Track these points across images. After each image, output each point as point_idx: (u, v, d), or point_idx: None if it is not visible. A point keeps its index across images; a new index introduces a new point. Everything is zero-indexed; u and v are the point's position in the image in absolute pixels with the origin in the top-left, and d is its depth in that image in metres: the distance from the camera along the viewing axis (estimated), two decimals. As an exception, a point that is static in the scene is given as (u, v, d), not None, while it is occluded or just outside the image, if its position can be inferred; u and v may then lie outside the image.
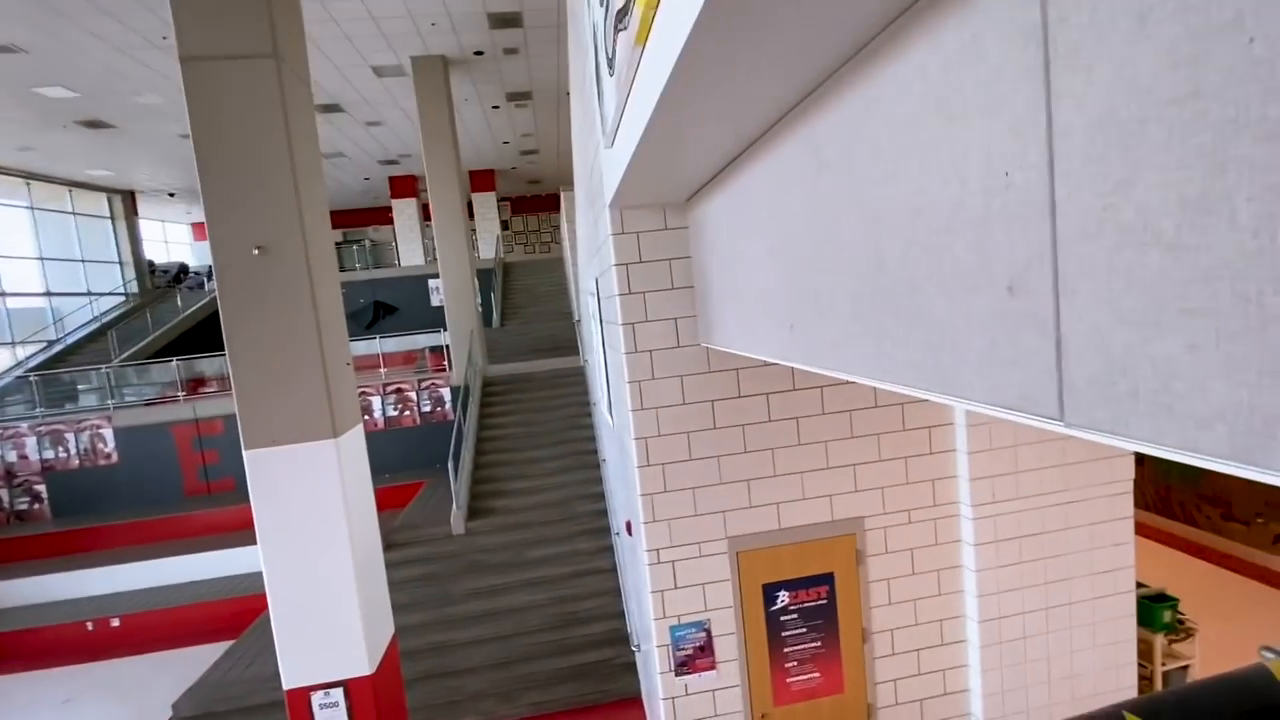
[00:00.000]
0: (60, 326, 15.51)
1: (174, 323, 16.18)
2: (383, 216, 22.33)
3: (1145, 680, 4.70)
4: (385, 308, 17.67)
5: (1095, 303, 0.75)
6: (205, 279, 19.07)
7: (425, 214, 18.79)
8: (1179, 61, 0.60)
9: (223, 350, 4.34)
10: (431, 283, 17.28)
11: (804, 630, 3.83)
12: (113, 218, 17.70)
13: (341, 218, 22.40)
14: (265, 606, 4.63)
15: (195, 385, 13.05)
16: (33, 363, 14.04)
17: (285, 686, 4.47)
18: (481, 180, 19.77)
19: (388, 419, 11.86)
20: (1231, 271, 0.58)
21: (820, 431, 3.70)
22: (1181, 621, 4.93)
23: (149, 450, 11.62)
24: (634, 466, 3.64)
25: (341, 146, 15.36)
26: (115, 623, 9.06)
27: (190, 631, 8.98)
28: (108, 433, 11.56)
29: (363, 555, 4.65)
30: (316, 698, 4.46)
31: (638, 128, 1.85)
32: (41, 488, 11.56)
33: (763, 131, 1.86)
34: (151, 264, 19.16)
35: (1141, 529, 7.81)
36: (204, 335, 15.68)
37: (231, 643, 7.71)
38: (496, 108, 13.38)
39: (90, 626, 9.03)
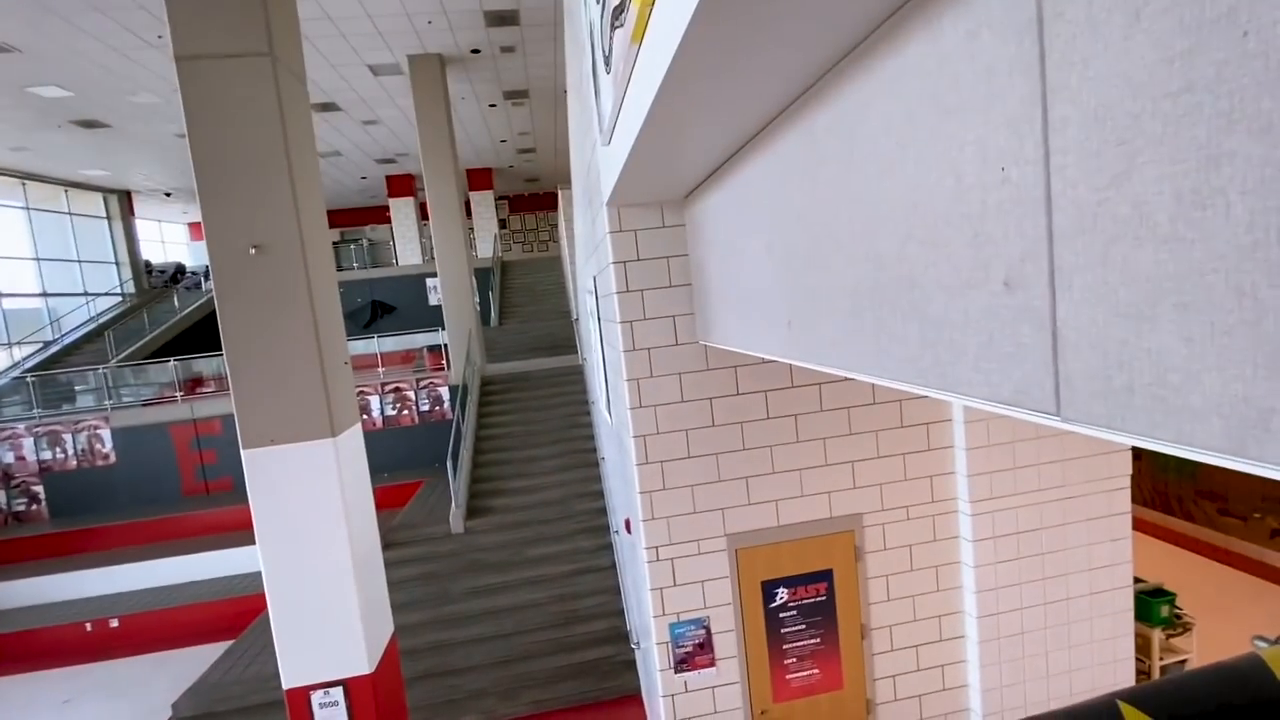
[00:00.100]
0: (57, 327, 15.47)
1: (171, 323, 16.15)
2: (380, 215, 22.29)
3: (1143, 675, 4.71)
4: (383, 307, 17.65)
5: (1091, 297, 0.75)
6: (202, 279, 19.04)
7: (423, 213, 18.82)
8: (1173, 55, 0.60)
9: (220, 350, 4.33)
10: (429, 282, 17.27)
11: (803, 627, 3.84)
12: (109, 218, 17.65)
13: (339, 217, 22.38)
14: (264, 606, 4.62)
15: (193, 385, 13.03)
16: (30, 363, 14.00)
17: (285, 686, 4.47)
18: (479, 179, 19.75)
19: (386, 418, 11.85)
20: (1227, 265, 0.58)
21: (818, 428, 3.71)
22: (1179, 616, 4.95)
23: (147, 451, 11.60)
24: (633, 464, 3.65)
25: (338, 145, 15.33)
26: (114, 623, 9.05)
27: (189, 632, 8.97)
28: (105, 433, 11.55)
29: (362, 554, 4.65)
30: (316, 697, 4.46)
31: (635, 125, 1.85)
32: (39, 489, 11.54)
33: (759, 128, 1.86)
34: (148, 264, 19.11)
35: (1139, 524, 7.84)
36: (201, 335, 15.65)
37: (231, 643, 7.70)
38: (494, 106, 13.36)
39: (89, 627, 9.02)
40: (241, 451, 4.29)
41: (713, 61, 1.29)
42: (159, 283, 19.10)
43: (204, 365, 13.26)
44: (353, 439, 4.78)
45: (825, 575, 3.83)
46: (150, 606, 9.25)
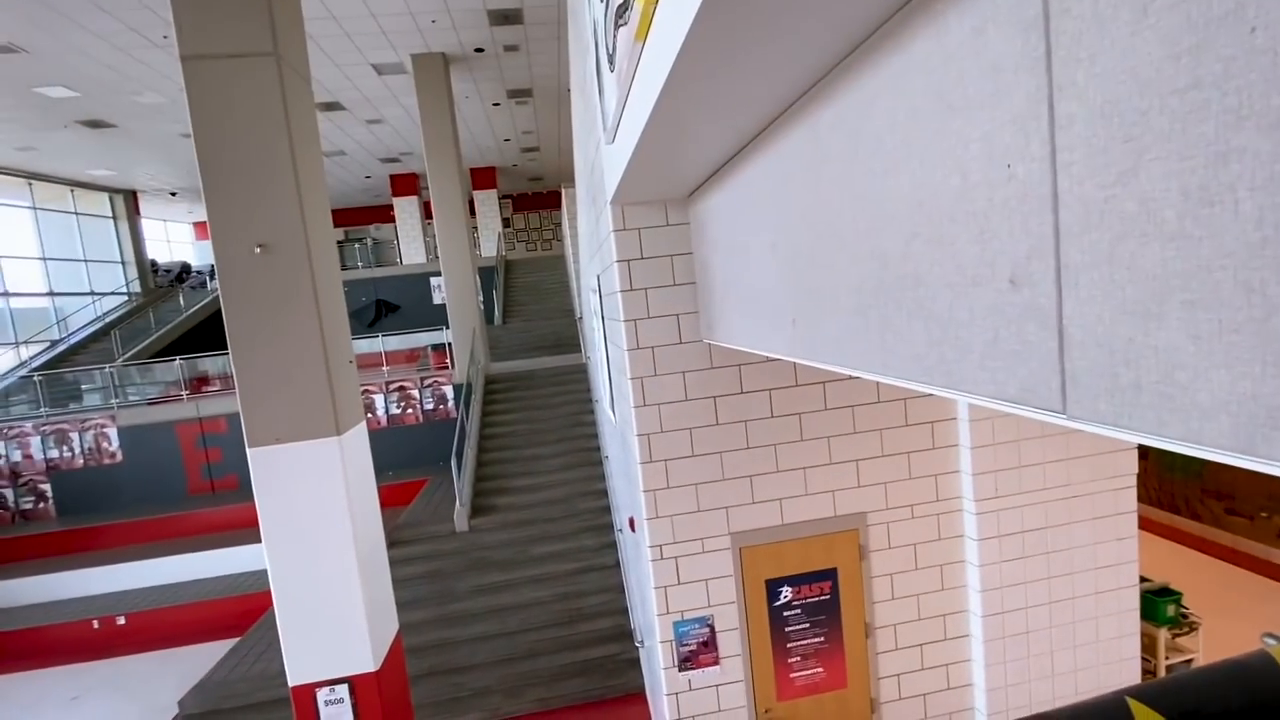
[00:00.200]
0: (64, 326, 15.55)
1: (177, 322, 16.21)
2: (384, 214, 22.33)
3: (1149, 674, 4.70)
4: (387, 306, 17.69)
5: (1098, 294, 0.75)
6: (208, 278, 19.12)
7: (427, 212, 18.81)
8: (1181, 51, 0.60)
9: (225, 349, 4.35)
10: (433, 281, 17.30)
11: (807, 625, 3.84)
12: (115, 217, 17.72)
13: (343, 216, 22.41)
14: (270, 604, 4.64)
15: (198, 384, 13.08)
16: (37, 362, 14.08)
17: (290, 683, 4.48)
18: (483, 178, 19.77)
19: (391, 417, 11.88)
20: (1235, 262, 0.58)
21: (823, 427, 3.70)
22: (1185, 616, 4.93)
23: (153, 449, 11.66)
24: (636, 462, 3.65)
25: (343, 144, 15.36)
26: (121, 621, 9.10)
27: (195, 629, 9.02)
28: (112, 432, 11.60)
29: (367, 552, 4.67)
30: (322, 694, 4.48)
31: (639, 124, 1.85)
32: (46, 487, 11.61)
33: (764, 126, 1.85)
34: (154, 263, 19.19)
35: (1145, 523, 7.81)
36: (207, 334, 15.71)
37: (237, 640, 7.74)
38: (497, 105, 13.37)
39: (96, 625, 9.07)
40: (247, 450, 4.31)
41: (717, 59, 1.28)
42: (164, 282, 19.19)
43: (209, 364, 13.31)
44: (357, 437, 4.79)
45: (829, 574, 3.82)
46: (157, 604, 9.29)
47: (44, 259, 15.52)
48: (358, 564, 4.50)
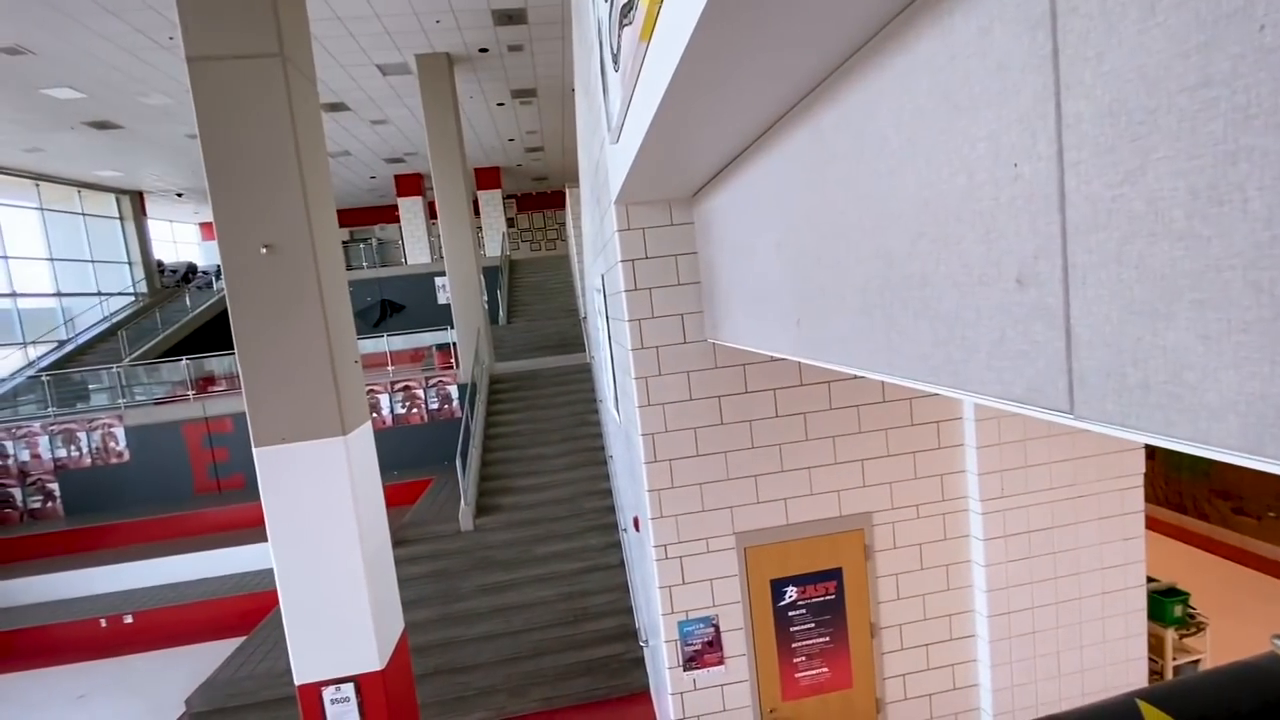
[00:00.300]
0: (71, 326, 15.65)
1: (183, 322, 16.30)
2: (389, 215, 22.39)
3: (1156, 675, 4.67)
4: (392, 306, 17.73)
5: (1105, 294, 0.75)
6: (214, 278, 19.20)
7: (431, 212, 18.89)
8: (1189, 50, 0.60)
9: (232, 349, 4.36)
10: (438, 280, 17.34)
11: (812, 625, 3.84)
12: (121, 218, 17.82)
13: (348, 216, 22.49)
14: (276, 603, 4.66)
15: (205, 384, 13.14)
16: (44, 362, 14.17)
17: (297, 682, 4.50)
18: (487, 178, 19.80)
19: (396, 417, 11.92)
20: (1243, 261, 0.58)
21: (828, 427, 3.70)
22: (1192, 616, 4.90)
23: (160, 448, 11.72)
24: (641, 462, 3.65)
25: (347, 145, 15.41)
26: (128, 619, 9.15)
27: (202, 628, 9.07)
28: (119, 431, 11.67)
29: (372, 552, 4.68)
30: (328, 693, 4.50)
31: (643, 123, 1.85)
32: (54, 486, 11.68)
33: (769, 125, 1.85)
34: (160, 264, 19.29)
35: (1152, 523, 7.77)
36: (213, 334, 15.78)
37: (243, 639, 7.78)
38: (501, 105, 13.39)
39: (104, 623, 9.13)
40: (253, 449, 4.33)
41: (722, 59, 1.28)
42: (171, 282, 19.28)
43: (216, 364, 13.37)
44: (363, 437, 4.81)
45: (834, 574, 3.82)
46: (164, 603, 9.34)
47: (51, 259, 15.62)
48: (363, 563, 4.51)
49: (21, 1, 7.41)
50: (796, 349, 1.94)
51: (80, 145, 13.09)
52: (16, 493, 11.61)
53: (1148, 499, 4.39)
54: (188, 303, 17.17)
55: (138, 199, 17.99)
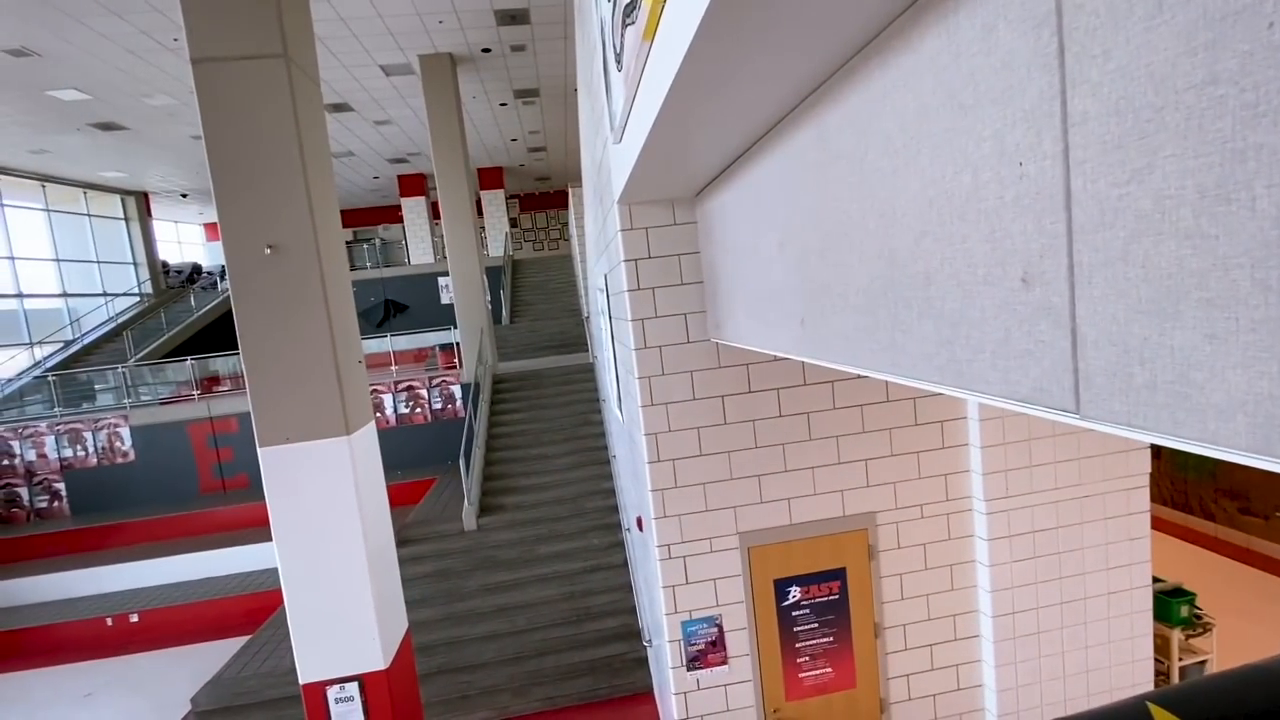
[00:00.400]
0: (77, 327, 15.73)
1: (188, 322, 16.36)
2: (392, 215, 22.44)
3: (1162, 676, 4.66)
4: (396, 306, 17.77)
5: (1112, 293, 0.74)
6: (218, 279, 19.27)
7: (435, 212, 18.90)
8: (1197, 47, 0.59)
9: (236, 349, 4.38)
10: (441, 280, 17.38)
11: (816, 625, 3.83)
12: (127, 219, 17.90)
13: (352, 216, 22.55)
14: (280, 602, 4.67)
15: (209, 384, 13.20)
16: (51, 363, 14.24)
17: (301, 681, 4.51)
18: (490, 178, 19.82)
19: (399, 416, 11.94)
20: (1251, 260, 0.57)
21: (831, 426, 3.69)
22: (1199, 616, 4.88)
23: (165, 448, 11.77)
24: (644, 462, 3.65)
25: (351, 146, 15.44)
26: (134, 618, 9.20)
27: (207, 627, 9.10)
28: (124, 431, 11.72)
29: (376, 551, 4.69)
30: (332, 692, 4.51)
31: (646, 123, 1.85)
32: (60, 486, 11.74)
33: (772, 124, 1.85)
34: (165, 264, 19.37)
35: (1158, 523, 7.74)
36: (217, 334, 15.85)
37: (248, 638, 7.80)
38: (504, 105, 13.40)
39: (109, 622, 9.17)
40: (258, 449, 4.34)
41: (725, 59, 1.28)
42: (176, 283, 19.37)
43: (220, 364, 13.43)
44: (367, 437, 4.82)
45: (838, 574, 3.81)
46: (169, 602, 9.38)
47: (57, 260, 15.69)
48: (367, 562, 4.52)
49: (27, 3, 7.45)
50: (800, 348, 1.93)
51: (86, 146, 13.15)
52: (23, 492, 11.67)
53: (1153, 499, 4.38)
54: (192, 303, 17.24)
55: (143, 200, 18.06)
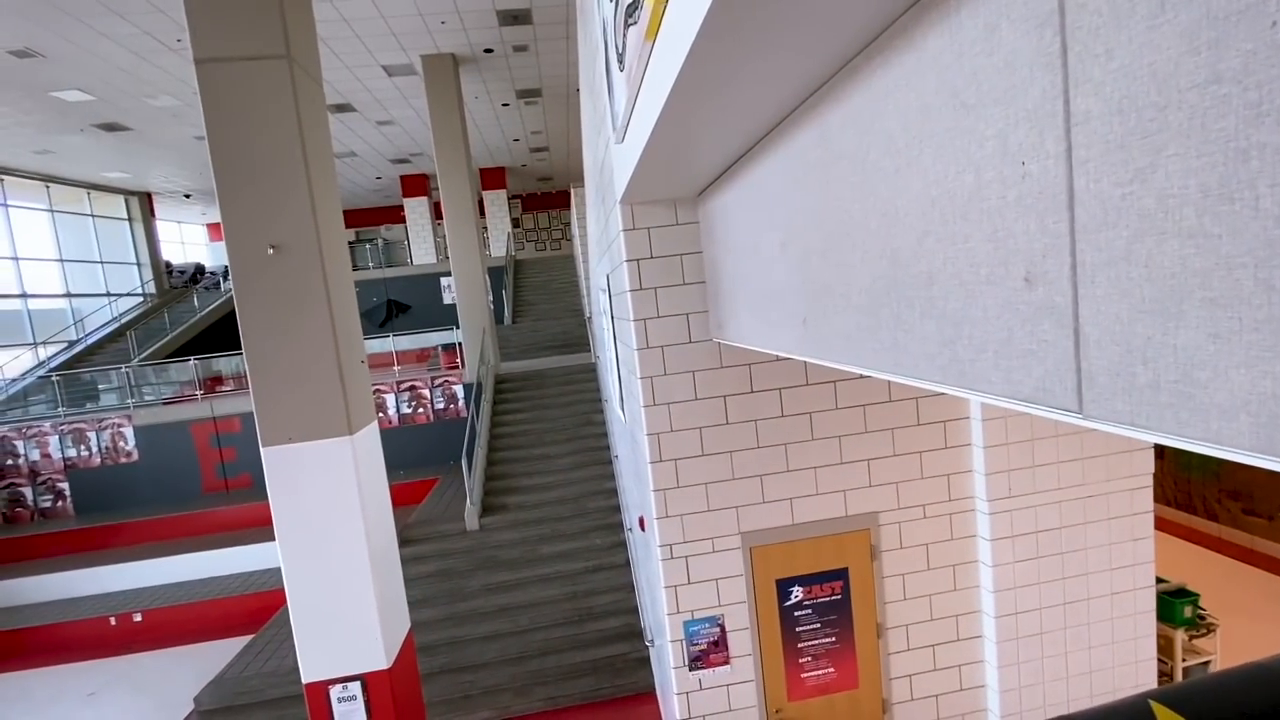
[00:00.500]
0: (81, 327, 15.77)
1: (191, 322, 16.40)
2: (395, 215, 22.47)
3: (1165, 676, 4.64)
4: (398, 306, 17.79)
5: (1115, 293, 0.74)
6: (221, 279, 19.32)
7: (437, 212, 18.93)
8: (1199, 46, 0.59)
9: (239, 349, 4.39)
10: (444, 281, 17.39)
11: (818, 625, 3.83)
12: (130, 219, 17.94)
13: (354, 217, 22.58)
14: (283, 602, 4.68)
15: (213, 384, 13.22)
16: (55, 363, 14.28)
17: (304, 680, 4.52)
18: (492, 178, 19.83)
19: (402, 416, 11.95)
20: (1255, 259, 0.57)
21: (833, 426, 3.69)
22: (1202, 617, 4.87)
23: (168, 448, 11.79)
24: (646, 462, 3.65)
25: (353, 146, 15.46)
26: (137, 618, 9.22)
27: (210, 626, 9.12)
28: (128, 431, 11.75)
29: (379, 551, 4.70)
30: (335, 691, 4.52)
31: (648, 123, 1.85)
32: (64, 485, 11.77)
33: (774, 124, 1.85)
34: (169, 264, 19.41)
35: (1161, 523, 7.72)
36: (221, 334, 15.88)
37: (251, 637, 7.82)
38: (506, 105, 13.40)
39: (113, 621, 9.19)
40: (261, 449, 4.35)
41: (727, 59, 1.28)
42: (179, 283, 19.41)
43: (223, 364, 13.45)
44: (369, 437, 4.82)
45: (841, 574, 3.81)
46: (172, 601, 9.40)
47: (61, 261, 15.74)
48: (370, 562, 4.53)
49: (31, 5, 7.47)
50: (802, 348, 1.93)
51: (89, 147, 13.18)
52: (27, 492, 11.71)
53: (1157, 499, 4.37)
54: (196, 303, 17.27)
55: (146, 200, 18.11)
